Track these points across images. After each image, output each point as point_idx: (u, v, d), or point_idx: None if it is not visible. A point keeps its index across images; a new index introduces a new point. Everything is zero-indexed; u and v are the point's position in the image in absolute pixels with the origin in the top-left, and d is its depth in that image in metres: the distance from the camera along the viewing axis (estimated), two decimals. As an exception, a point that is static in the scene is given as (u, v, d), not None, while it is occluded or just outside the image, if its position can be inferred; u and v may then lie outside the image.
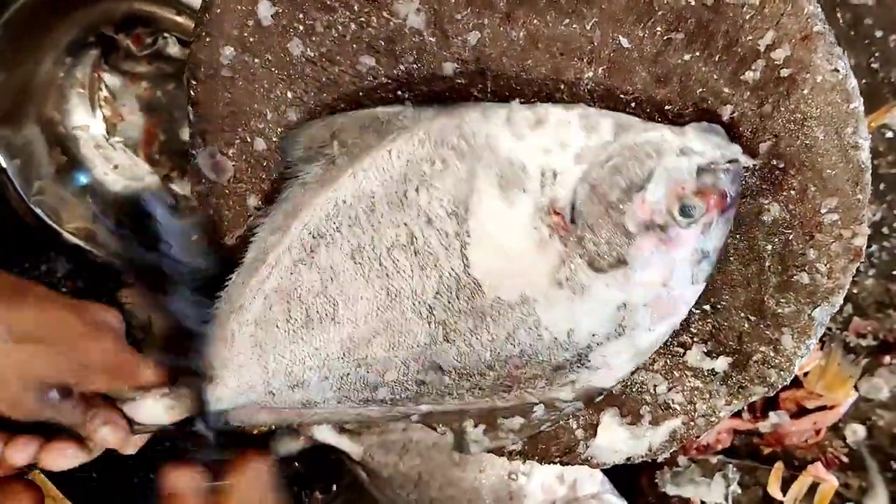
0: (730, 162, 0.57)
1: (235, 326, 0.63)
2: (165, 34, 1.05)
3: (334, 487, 1.16)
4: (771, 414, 1.03)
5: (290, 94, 0.64)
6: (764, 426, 1.04)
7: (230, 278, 0.63)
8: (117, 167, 1.10)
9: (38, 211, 1.03)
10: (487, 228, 0.58)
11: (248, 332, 0.62)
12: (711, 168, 0.57)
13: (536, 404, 0.65)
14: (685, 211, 0.57)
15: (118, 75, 1.08)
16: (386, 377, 0.63)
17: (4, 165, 1.01)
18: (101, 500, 0.92)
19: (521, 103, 0.59)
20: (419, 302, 0.60)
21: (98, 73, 1.07)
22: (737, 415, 1.06)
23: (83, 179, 1.08)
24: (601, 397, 0.66)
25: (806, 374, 1.03)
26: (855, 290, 1.01)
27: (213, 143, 0.66)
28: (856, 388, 1.01)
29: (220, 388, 0.64)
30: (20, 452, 0.70)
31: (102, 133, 1.09)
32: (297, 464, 1.13)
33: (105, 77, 1.07)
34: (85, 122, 1.08)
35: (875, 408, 1.03)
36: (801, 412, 1.04)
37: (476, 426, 0.67)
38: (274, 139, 0.66)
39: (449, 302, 0.60)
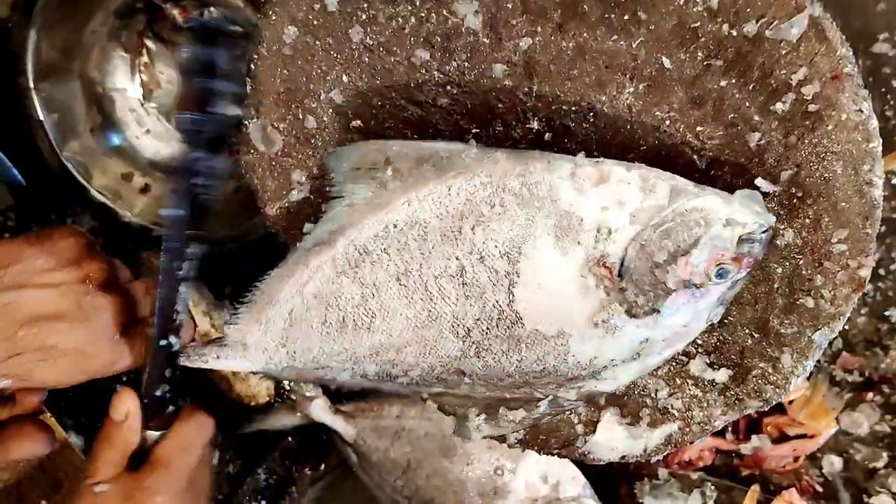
0: (764, 231, 0.61)
1: (271, 315, 0.67)
2: (212, 8, 1.08)
3: (322, 466, 1.18)
4: (753, 437, 1.07)
5: (345, 78, 0.68)
6: (745, 448, 1.08)
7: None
8: (149, 132, 1.13)
9: (70, 166, 1.05)
10: (537, 271, 0.61)
11: (280, 325, 0.66)
12: (749, 237, 0.61)
13: (541, 399, 0.68)
14: (720, 273, 0.61)
15: (161, 43, 1.10)
16: (409, 373, 0.67)
17: (42, 118, 1.04)
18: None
19: (585, 157, 0.62)
20: (458, 325, 0.64)
21: (142, 39, 1.10)
22: (720, 434, 1.09)
23: (115, 140, 1.11)
24: (601, 397, 0.70)
25: (791, 401, 1.07)
26: (846, 327, 1.04)
27: (266, 116, 0.70)
28: (837, 420, 1.05)
29: (241, 360, 0.68)
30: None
31: (139, 97, 1.12)
32: (290, 438, 1.15)
33: (148, 44, 1.10)
34: (123, 84, 1.11)
35: (853, 442, 1.06)
36: (782, 438, 1.07)
37: (479, 414, 0.70)
38: (325, 119, 0.69)
39: (488, 328, 0.63)
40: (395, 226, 0.62)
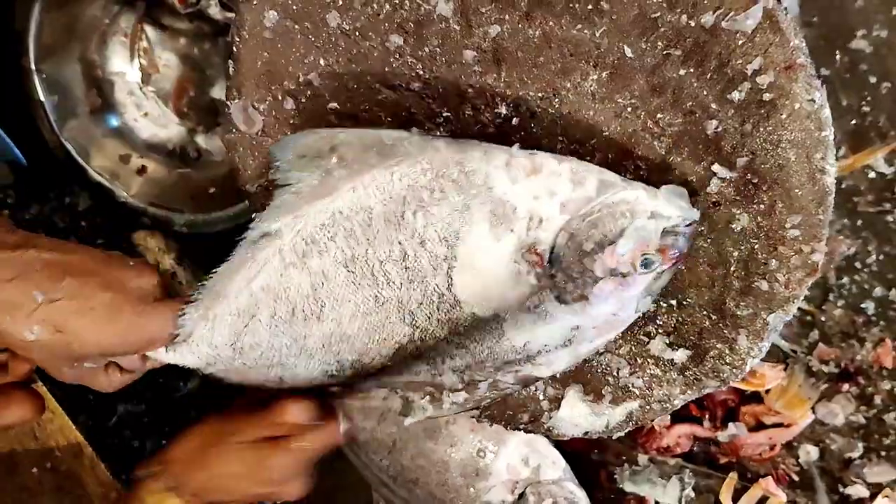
0: (688, 224, 0.64)
1: (219, 311, 0.68)
2: (209, -5, 1.11)
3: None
4: (730, 425, 1.09)
5: (322, 62, 0.70)
6: (722, 435, 1.09)
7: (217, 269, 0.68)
8: (147, 115, 1.16)
9: (69, 146, 1.09)
10: (473, 256, 0.64)
11: (229, 320, 0.68)
12: (673, 230, 0.64)
13: (481, 381, 0.71)
14: (645, 263, 0.64)
15: (160, 29, 1.14)
16: (360, 362, 0.69)
17: (42, 99, 1.07)
18: (97, 416, 0.97)
19: (520, 148, 0.65)
20: (404, 309, 0.66)
21: (141, 24, 1.13)
22: (697, 422, 1.11)
23: (114, 122, 1.15)
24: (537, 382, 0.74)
25: (768, 391, 1.09)
26: (823, 319, 1.06)
27: (247, 98, 0.72)
28: (813, 410, 1.07)
29: (188, 355, 0.70)
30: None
31: (137, 81, 1.16)
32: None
33: (147, 29, 1.13)
34: (122, 68, 1.14)
35: (829, 432, 1.08)
36: (758, 427, 1.09)
37: (423, 397, 0.73)
38: (303, 100, 0.72)
39: (430, 313, 0.66)
40: (342, 213, 0.64)
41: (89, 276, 0.64)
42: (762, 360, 1.09)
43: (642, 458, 1.14)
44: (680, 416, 1.11)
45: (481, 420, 0.80)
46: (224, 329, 0.68)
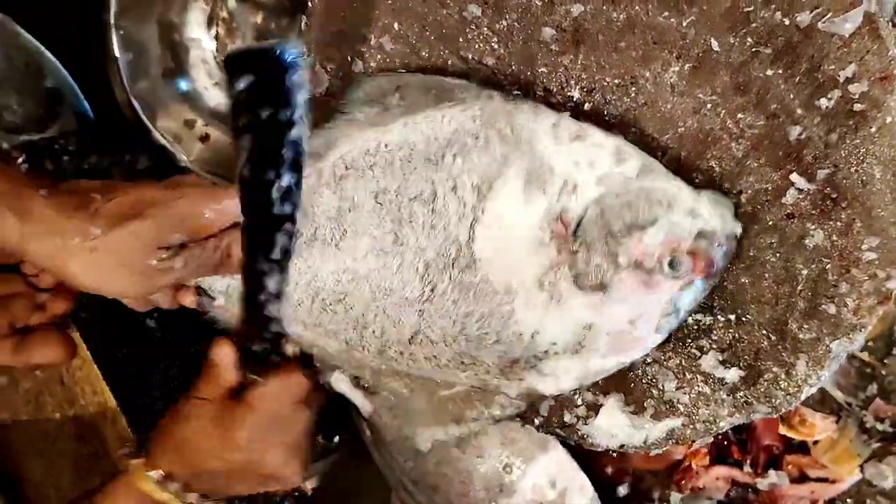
0: (727, 237, 0.61)
1: None
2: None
3: (337, 438, 1.18)
4: (772, 472, 1.04)
5: (396, 26, 0.69)
6: (762, 483, 1.04)
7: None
8: (217, 84, 1.16)
9: (137, 105, 1.08)
10: (500, 213, 0.63)
11: None
12: (710, 236, 0.61)
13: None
14: (673, 263, 0.61)
15: (240, 0, 1.14)
16: (364, 315, 0.66)
17: (118, 55, 1.07)
18: (127, 372, 0.96)
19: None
20: (419, 256, 0.64)
21: (223, -6, 1.13)
22: (738, 465, 1.06)
23: (184, 87, 1.14)
24: (542, 401, 0.71)
25: (816, 442, 1.04)
26: (884, 372, 1.01)
27: (317, 56, 0.71)
28: (861, 469, 1.01)
29: None
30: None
31: (212, 50, 1.15)
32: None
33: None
34: (199, 35, 1.14)
35: (876, 494, 1.02)
36: (801, 479, 1.04)
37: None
38: (372, 64, 0.70)
39: (444, 266, 0.64)
40: (387, 145, 0.63)
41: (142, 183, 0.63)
42: (814, 409, 1.05)
43: (675, 497, 1.09)
44: (720, 457, 1.07)
45: (514, 419, 0.77)
46: None
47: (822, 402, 1.04)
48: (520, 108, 0.62)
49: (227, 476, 0.72)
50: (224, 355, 0.69)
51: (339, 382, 1.07)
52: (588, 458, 1.08)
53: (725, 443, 1.08)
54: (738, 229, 0.62)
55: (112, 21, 1.06)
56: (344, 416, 1.13)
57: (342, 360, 0.69)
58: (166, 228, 0.59)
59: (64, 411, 0.93)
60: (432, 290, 0.64)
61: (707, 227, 0.61)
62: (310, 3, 0.70)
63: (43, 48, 1.10)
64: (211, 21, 1.15)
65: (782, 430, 1.05)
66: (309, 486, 1.16)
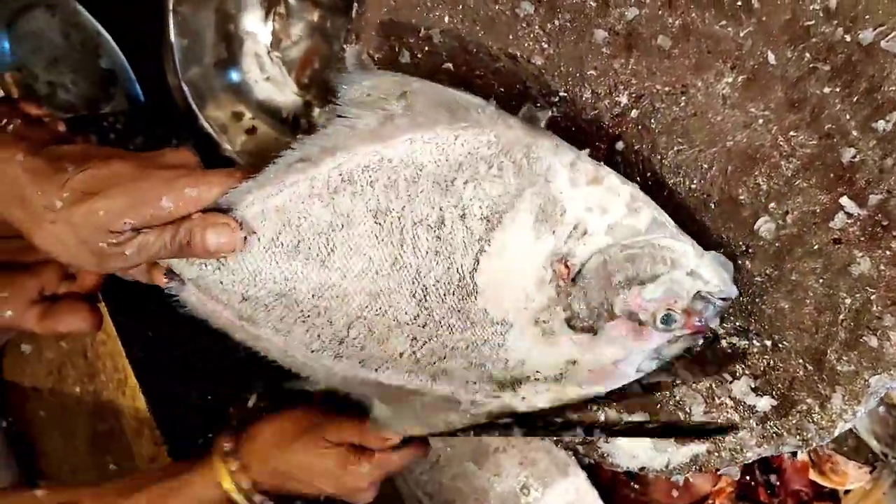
0: (723, 298, 0.60)
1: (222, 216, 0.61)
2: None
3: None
4: (798, 519, 1.01)
5: (446, 19, 0.68)
6: (788, 530, 1.01)
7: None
8: (269, 79, 1.17)
9: (187, 91, 1.09)
10: (507, 246, 0.60)
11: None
12: (706, 297, 0.60)
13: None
14: (666, 319, 0.60)
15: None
16: (343, 332, 0.64)
17: (173, 41, 1.08)
18: (151, 352, 0.95)
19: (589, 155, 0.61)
20: (418, 282, 0.62)
21: (283, -10, 1.14)
22: (764, 511, 1.03)
23: (235, 78, 1.15)
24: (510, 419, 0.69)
25: (847, 491, 1.00)
26: (924, 426, 0.97)
27: (365, 45, 0.71)
28: (893, 523, 0.98)
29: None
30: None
31: (266, 44, 1.16)
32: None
33: (288, -4, 1.15)
34: (255, 28, 1.15)
35: (906, 549, 0.99)
36: (828, 528, 1.01)
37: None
38: (419, 56, 0.70)
39: (444, 294, 0.62)
40: (391, 161, 0.59)
41: (121, 156, 0.61)
42: (848, 457, 1.01)
43: (692, 536, 1.06)
44: (745, 497, 1.04)
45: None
46: None
47: (856, 450, 1.01)
48: (540, 140, 0.59)
49: (309, 496, 0.80)
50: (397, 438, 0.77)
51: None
52: (609, 490, 1.05)
53: (752, 483, 1.05)
54: (734, 293, 0.61)
55: (170, 6, 1.07)
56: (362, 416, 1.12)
57: (306, 367, 0.66)
58: (118, 213, 0.57)
59: (84, 385, 0.93)
60: (428, 314, 0.62)
61: (706, 288, 0.60)
62: (362, -10, 0.69)
63: (101, 28, 1.12)
64: (268, 16, 1.15)
65: (813, 475, 1.02)
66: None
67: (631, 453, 0.71)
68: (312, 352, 0.64)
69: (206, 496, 0.77)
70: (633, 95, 0.65)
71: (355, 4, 0.70)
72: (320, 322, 0.63)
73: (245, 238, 0.61)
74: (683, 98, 0.64)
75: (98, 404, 0.93)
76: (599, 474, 1.04)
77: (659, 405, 0.70)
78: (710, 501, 1.05)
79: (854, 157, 0.60)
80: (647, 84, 0.64)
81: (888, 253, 0.61)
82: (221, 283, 0.62)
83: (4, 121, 0.62)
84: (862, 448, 1.00)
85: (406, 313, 0.62)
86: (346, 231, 0.60)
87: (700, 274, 0.60)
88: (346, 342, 0.64)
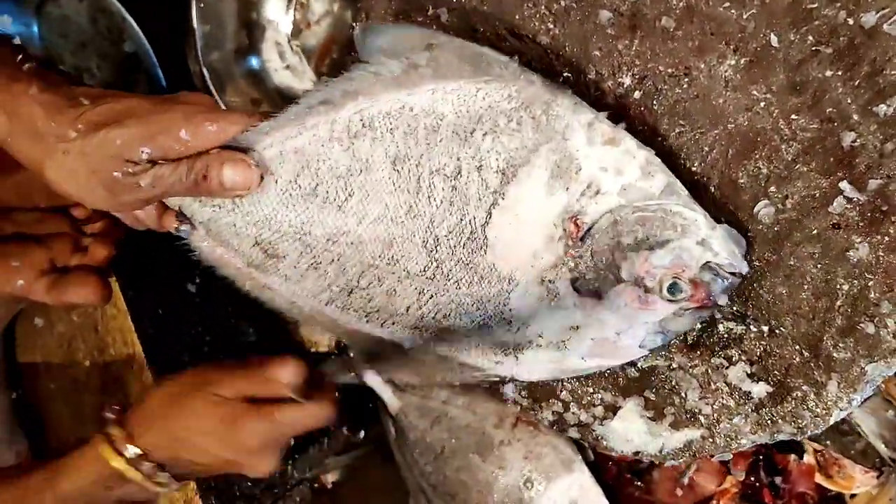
0: (732, 273, 0.60)
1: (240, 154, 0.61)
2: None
3: (362, 433, 1.18)
4: (802, 524, 0.99)
5: (455, -2, 0.69)
6: (792, 534, 1.00)
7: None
8: (288, 67, 1.18)
9: (207, 76, 1.11)
10: (521, 201, 0.61)
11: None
12: (714, 269, 0.60)
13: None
14: (672, 288, 0.60)
15: (320, -13, 1.16)
16: (358, 280, 0.64)
17: (195, 27, 1.10)
18: (161, 328, 0.96)
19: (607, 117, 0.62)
20: (430, 231, 0.62)
21: (304, -21, 1.16)
22: (765, 513, 1.02)
23: (254, 65, 1.17)
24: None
25: (853, 495, 0.99)
26: (934, 432, 0.96)
27: (373, 22, 0.71)
28: (899, 529, 0.96)
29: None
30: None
31: (287, 33, 1.18)
32: (336, 394, 1.15)
33: (309, -16, 1.16)
34: (276, 17, 1.17)
35: (912, 557, 0.97)
36: (833, 533, 0.99)
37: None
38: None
39: (455, 246, 0.62)
40: (412, 109, 0.60)
41: (138, 95, 0.61)
42: (856, 461, 1.00)
43: (694, 539, 1.05)
44: (749, 498, 1.02)
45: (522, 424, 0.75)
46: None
47: (864, 454, 1.00)
48: (560, 97, 0.60)
49: (207, 465, 0.71)
50: (291, 375, 0.69)
51: (371, 376, 1.07)
52: (613, 488, 1.04)
53: (757, 484, 1.03)
54: (745, 268, 0.61)
55: (195, -8, 1.08)
56: (372, 412, 1.12)
57: (311, 319, 0.67)
58: (136, 141, 0.57)
59: (94, 359, 0.94)
60: (437, 266, 0.62)
61: (715, 259, 0.60)
62: (372, -32, 0.70)
63: (126, 13, 1.14)
64: (289, 4, 1.17)
65: (819, 479, 1.00)
66: (330, 478, 1.15)
67: (625, 437, 0.71)
68: (321, 302, 0.65)
69: (90, 472, 0.69)
70: (637, 77, 0.65)
71: (365, -18, 0.71)
72: (333, 270, 0.64)
73: (262, 178, 0.61)
74: (686, 80, 0.64)
75: (106, 378, 0.95)
76: (604, 472, 1.03)
77: (655, 389, 0.69)
78: (714, 502, 1.04)
79: (854, 141, 0.60)
80: (650, 65, 0.64)
81: (887, 239, 0.60)
82: (235, 225, 0.63)
83: (21, 57, 0.62)
84: (870, 452, 0.99)
85: (417, 263, 0.63)
86: (365, 176, 0.61)
87: (710, 244, 0.60)
88: (356, 292, 0.64)
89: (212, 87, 1.11)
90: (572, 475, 1.01)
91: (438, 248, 0.62)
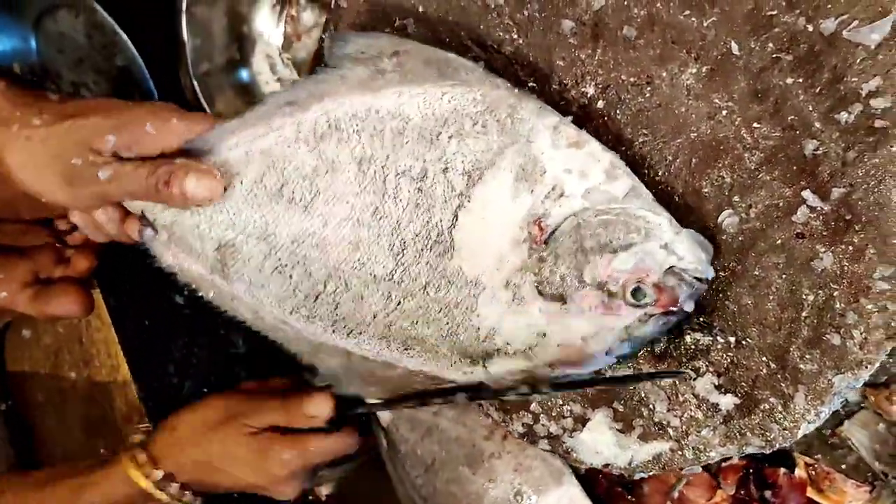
0: (697, 279, 0.60)
1: (205, 155, 0.62)
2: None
3: (356, 446, 1.17)
4: (794, 537, 0.98)
5: (420, 8, 0.69)
6: (782, 549, 0.98)
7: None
8: (279, 80, 1.18)
9: (198, 89, 1.11)
10: (486, 203, 0.61)
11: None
12: (679, 274, 0.59)
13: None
14: (636, 293, 0.59)
15: (311, 1, 1.16)
16: (325, 285, 0.64)
17: (186, 40, 1.11)
18: (146, 341, 0.97)
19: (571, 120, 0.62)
20: (397, 234, 0.62)
21: (294, -8, 1.16)
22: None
23: (245, 77, 1.17)
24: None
25: (845, 508, 0.97)
26: (926, 443, 0.94)
27: (343, 33, 0.71)
28: (891, 545, 0.94)
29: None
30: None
31: (278, 46, 1.18)
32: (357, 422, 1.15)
33: (299, -2, 1.16)
34: (267, 30, 1.17)
35: (904, 572, 0.95)
36: (824, 548, 0.98)
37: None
38: (394, 46, 0.70)
39: (421, 248, 0.62)
40: (378, 112, 0.60)
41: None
42: (847, 475, 0.98)
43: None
44: (739, 511, 1.01)
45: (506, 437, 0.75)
46: None
47: (856, 468, 0.98)
48: (524, 101, 0.60)
49: (232, 488, 0.76)
50: (325, 410, 0.73)
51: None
52: (604, 501, 1.03)
53: (747, 498, 1.02)
54: (711, 274, 0.60)
55: (184, 6, 1.09)
56: (365, 424, 1.12)
57: (276, 330, 0.67)
58: (102, 129, 0.58)
59: (79, 370, 0.95)
60: (404, 270, 0.62)
61: (679, 264, 0.59)
62: (340, -20, 0.71)
63: (117, 27, 1.15)
64: (280, 17, 1.17)
65: (810, 492, 0.99)
66: (323, 491, 1.15)
67: (594, 449, 0.70)
68: (285, 310, 0.65)
69: (118, 491, 0.74)
70: (600, 86, 0.65)
71: (334, -5, 0.71)
72: (298, 273, 0.64)
73: (225, 189, 0.61)
74: (649, 89, 0.63)
75: (91, 389, 0.95)
76: (595, 485, 1.02)
77: (623, 401, 0.69)
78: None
79: (817, 149, 0.59)
80: (613, 75, 0.64)
81: (851, 248, 0.59)
82: (198, 227, 0.63)
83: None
84: (861, 466, 0.97)
85: (384, 267, 0.62)
86: (330, 177, 0.61)
87: (674, 249, 0.59)
88: (322, 298, 0.64)
89: (202, 100, 1.11)
90: (562, 488, 1.00)
91: (405, 251, 0.62)
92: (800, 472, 0.99)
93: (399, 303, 0.64)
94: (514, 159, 0.60)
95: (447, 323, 0.64)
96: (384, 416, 1.07)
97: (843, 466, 0.98)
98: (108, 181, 0.59)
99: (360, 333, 0.65)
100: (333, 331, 0.65)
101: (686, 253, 0.59)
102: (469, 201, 0.60)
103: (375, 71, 0.61)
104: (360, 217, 0.61)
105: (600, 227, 0.59)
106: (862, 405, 0.97)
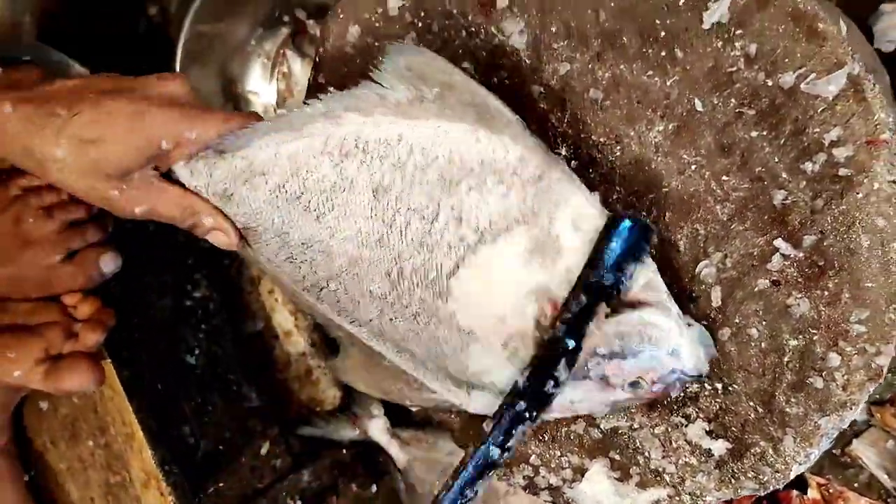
0: (692, 376, 0.61)
1: (233, 157, 0.63)
2: (350, 31, 1.15)
3: (374, 488, 1.19)
4: (808, 556, 0.98)
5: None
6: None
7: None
8: (275, 135, 1.21)
9: (196, 151, 1.14)
10: (494, 264, 0.61)
11: (237, 164, 0.63)
12: (678, 374, 0.61)
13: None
14: (634, 385, 0.61)
15: (300, 56, 1.19)
16: (324, 282, 0.66)
17: (181, 104, 1.13)
18: (159, 405, 0.99)
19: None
20: (396, 264, 0.63)
21: (283, 50, 1.19)
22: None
23: (243, 136, 1.20)
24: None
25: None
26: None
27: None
28: (905, 560, 0.95)
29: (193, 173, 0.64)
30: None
31: (272, 103, 1.21)
32: (344, 451, 1.16)
33: (288, 54, 1.19)
34: (260, 88, 1.20)
35: (917, 586, 0.95)
36: (839, 566, 0.98)
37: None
38: (372, 117, 0.72)
39: (416, 283, 0.63)
40: (408, 142, 0.60)
41: (110, 89, 0.62)
42: (860, 493, 0.99)
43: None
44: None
45: (500, 479, 0.76)
46: (226, 168, 0.63)
47: (868, 486, 0.99)
48: (553, 172, 0.60)
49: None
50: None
51: (377, 431, 1.08)
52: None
53: (760, 520, 1.02)
54: (706, 370, 0.61)
55: (178, 69, 1.12)
56: (383, 466, 1.14)
57: (295, 296, 0.68)
58: (117, 160, 0.61)
59: (96, 439, 0.97)
60: (399, 296, 0.63)
61: (680, 367, 0.61)
62: (317, 58, 0.73)
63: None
64: (272, 75, 1.20)
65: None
66: (341, 532, 1.16)
67: (595, 499, 0.71)
68: (297, 288, 0.67)
69: None
70: (572, 147, 0.66)
71: (312, 71, 0.73)
72: (305, 268, 0.65)
73: (242, 239, 0.66)
74: (618, 148, 0.65)
75: (109, 457, 0.97)
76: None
77: (619, 450, 0.70)
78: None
79: (786, 198, 0.60)
80: (582, 136, 0.66)
81: (826, 293, 0.60)
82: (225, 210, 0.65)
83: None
84: (874, 484, 0.98)
85: (379, 287, 0.64)
86: (346, 196, 0.62)
87: (679, 353, 0.60)
88: (325, 292, 0.66)
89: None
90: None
91: (401, 280, 0.63)
92: (813, 493, 0.99)
93: (391, 319, 0.65)
94: (531, 232, 0.60)
95: (435, 352, 0.65)
96: (400, 458, 1.08)
97: (856, 485, 0.98)
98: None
99: (360, 326, 0.67)
100: (338, 315, 0.67)
101: (688, 356, 0.61)
102: (475, 256, 0.61)
103: (416, 96, 0.60)
104: (364, 240, 0.62)
105: (616, 337, 0.60)
106: (870, 423, 0.97)
